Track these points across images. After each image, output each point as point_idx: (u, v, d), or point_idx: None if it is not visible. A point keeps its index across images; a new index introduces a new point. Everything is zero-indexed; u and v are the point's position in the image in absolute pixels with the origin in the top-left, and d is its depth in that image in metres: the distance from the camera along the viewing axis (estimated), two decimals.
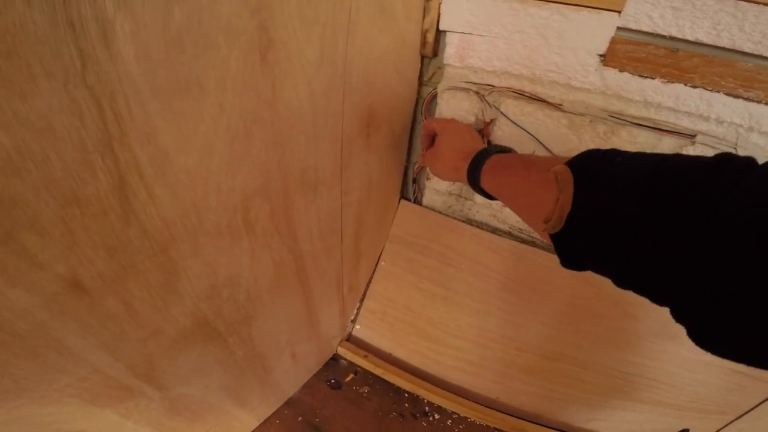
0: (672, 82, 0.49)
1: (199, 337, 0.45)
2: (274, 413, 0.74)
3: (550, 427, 0.77)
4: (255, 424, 0.71)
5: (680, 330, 0.27)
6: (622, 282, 0.30)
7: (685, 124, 0.51)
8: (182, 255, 0.37)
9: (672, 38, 0.48)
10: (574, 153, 0.59)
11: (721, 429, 0.72)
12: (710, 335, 0.25)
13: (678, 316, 0.26)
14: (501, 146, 0.52)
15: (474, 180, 0.49)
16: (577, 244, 0.31)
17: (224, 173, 0.37)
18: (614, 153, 0.32)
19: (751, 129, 0.48)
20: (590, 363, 0.72)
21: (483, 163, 0.48)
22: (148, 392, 0.44)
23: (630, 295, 0.31)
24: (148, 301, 0.36)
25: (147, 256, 0.34)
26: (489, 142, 0.60)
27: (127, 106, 0.27)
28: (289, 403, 0.76)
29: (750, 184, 0.24)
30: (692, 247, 0.24)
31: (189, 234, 0.36)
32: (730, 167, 0.25)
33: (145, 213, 0.32)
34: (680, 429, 0.73)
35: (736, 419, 0.71)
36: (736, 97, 0.47)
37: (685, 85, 0.48)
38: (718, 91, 0.48)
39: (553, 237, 0.33)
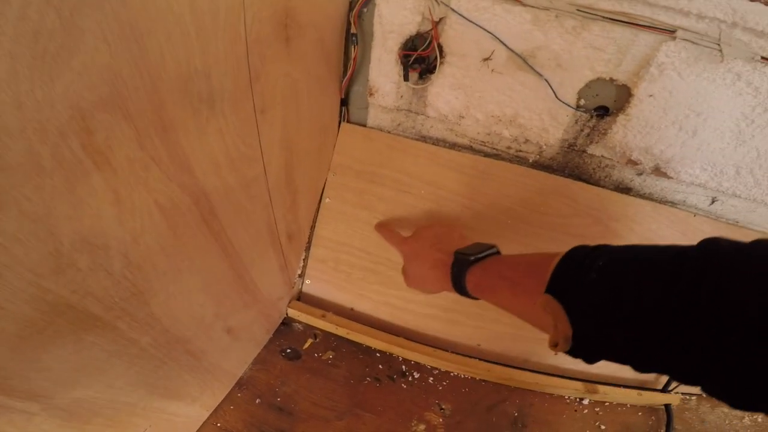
0: None
1: (65, 327, 0.31)
2: (224, 399, 0.62)
3: (539, 372, 0.71)
4: (205, 414, 0.60)
5: None
6: (643, 371, 0.31)
7: (663, 19, 0.47)
8: None
9: None
10: (542, 51, 0.51)
11: None
12: (747, 401, 0.26)
13: (709, 392, 0.28)
14: (471, 249, 0.49)
15: (463, 293, 0.49)
16: (592, 352, 0.33)
17: (26, 80, 0.22)
18: (588, 265, 0.33)
19: (734, 25, 0.45)
20: None
21: (464, 277, 0.47)
22: (17, 405, 0.32)
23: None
24: None
25: None
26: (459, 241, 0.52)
27: None
28: (241, 385, 0.65)
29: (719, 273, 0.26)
30: (700, 333, 0.26)
31: None
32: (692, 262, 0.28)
33: None
34: None
35: None
36: None
37: None
38: None
39: (568, 352, 0.34)
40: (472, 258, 0.47)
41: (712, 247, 0.28)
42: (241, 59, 0.38)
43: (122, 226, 0.32)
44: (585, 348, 0.33)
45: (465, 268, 0.47)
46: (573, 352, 0.34)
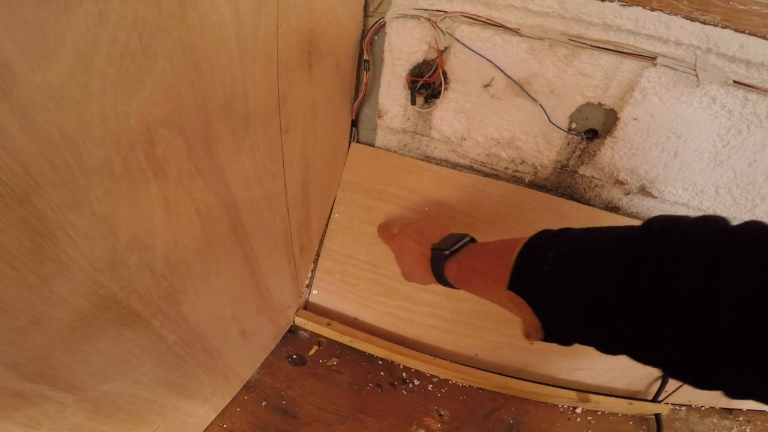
0: (630, 6, 0.49)
1: (109, 321, 0.34)
2: (232, 401, 0.65)
3: (534, 381, 0.74)
4: (212, 416, 0.62)
5: None
6: (609, 353, 0.32)
7: (645, 46, 0.51)
8: (55, 205, 0.26)
9: None
10: (537, 78, 0.56)
11: None
12: (700, 381, 0.27)
13: (669, 375, 0.29)
14: (445, 243, 0.50)
15: (448, 285, 0.50)
16: (562, 339, 0.35)
17: (111, 96, 0.27)
18: (543, 258, 0.34)
19: (708, 51, 0.49)
20: None
21: (443, 272, 0.48)
22: (55, 396, 0.34)
23: None
24: (12, 277, 0.25)
25: None
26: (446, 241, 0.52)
27: None
28: (248, 388, 0.67)
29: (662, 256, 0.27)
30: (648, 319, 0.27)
31: (62, 175, 0.26)
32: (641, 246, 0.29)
33: None
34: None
35: None
36: (693, 20, 0.48)
37: (644, 8, 0.48)
38: (676, 14, 0.48)
39: (543, 340, 0.36)
40: (447, 252, 0.48)
41: (646, 235, 0.29)
42: (273, 83, 0.43)
43: (168, 229, 0.36)
44: (555, 336, 0.35)
45: (442, 263, 0.48)
46: (547, 339, 0.35)
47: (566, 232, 0.36)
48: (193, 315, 0.44)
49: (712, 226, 0.27)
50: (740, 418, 0.75)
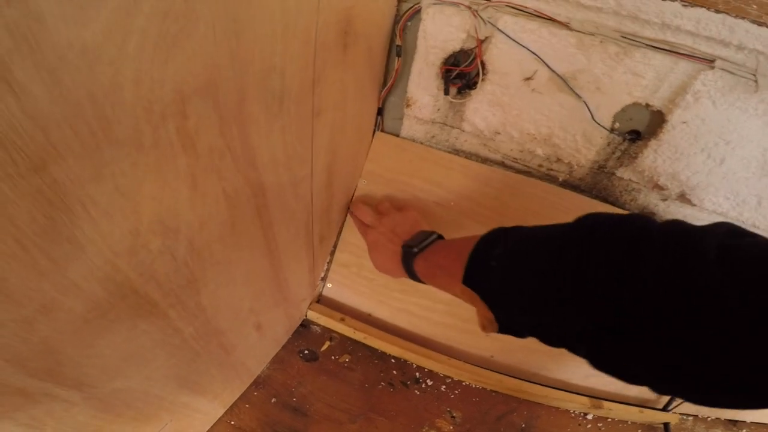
0: (694, 6, 0.46)
1: (124, 312, 0.31)
2: (241, 397, 0.62)
3: (548, 386, 0.72)
4: (221, 412, 0.59)
5: None
6: (551, 345, 0.33)
7: (704, 48, 0.48)
8: (75, 177, 0.22)
9: None
10: (583, 74, 0.53)
11: None
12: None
13: (596, 366, 0.30)
14: (414, 240, 0.52)
15: (418, 281, 0.51)
16: (514, 329, 0.36)
17: (148, 58, 0.23)
18: (491, 254, 0.36)
19: None
20: None
21: (413, 268, 0.50)
22: (62, 394, 0.31)
23: None
24: (21, 258, 0.22)
25: (5, 175, 0.20)
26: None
27: None
28: (258, 383, 0.64)
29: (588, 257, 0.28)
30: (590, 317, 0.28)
31: (85, 144, 0.22)
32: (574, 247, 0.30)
33: None
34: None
35: None
36: (761, 24, 0.45)
37: (708, 9, 0.46)
38: (743, 18, 0.45)
39: (499, 332, 0.37)
40: (416, 250, 0.50)
41: (576, 231, 0.30)
42: (309, 61, 0.39)
43: (193, 210, 0.32)
44: (508, 328, 0.36)
45: (411, 260, 0.50)
46: (502, 331, 0.36)
47: (515, 229, 0.37)
48: (212, 306, 0.41)
49: (637, 223, 0.28)
50: (744, 430, 0.75)
